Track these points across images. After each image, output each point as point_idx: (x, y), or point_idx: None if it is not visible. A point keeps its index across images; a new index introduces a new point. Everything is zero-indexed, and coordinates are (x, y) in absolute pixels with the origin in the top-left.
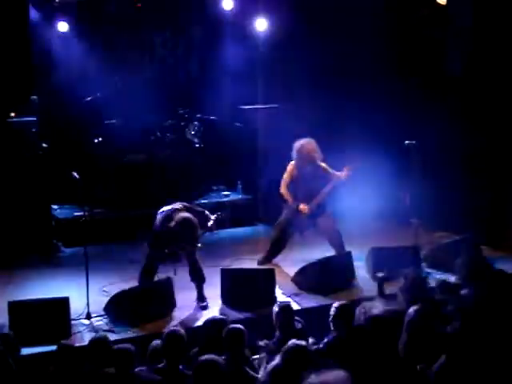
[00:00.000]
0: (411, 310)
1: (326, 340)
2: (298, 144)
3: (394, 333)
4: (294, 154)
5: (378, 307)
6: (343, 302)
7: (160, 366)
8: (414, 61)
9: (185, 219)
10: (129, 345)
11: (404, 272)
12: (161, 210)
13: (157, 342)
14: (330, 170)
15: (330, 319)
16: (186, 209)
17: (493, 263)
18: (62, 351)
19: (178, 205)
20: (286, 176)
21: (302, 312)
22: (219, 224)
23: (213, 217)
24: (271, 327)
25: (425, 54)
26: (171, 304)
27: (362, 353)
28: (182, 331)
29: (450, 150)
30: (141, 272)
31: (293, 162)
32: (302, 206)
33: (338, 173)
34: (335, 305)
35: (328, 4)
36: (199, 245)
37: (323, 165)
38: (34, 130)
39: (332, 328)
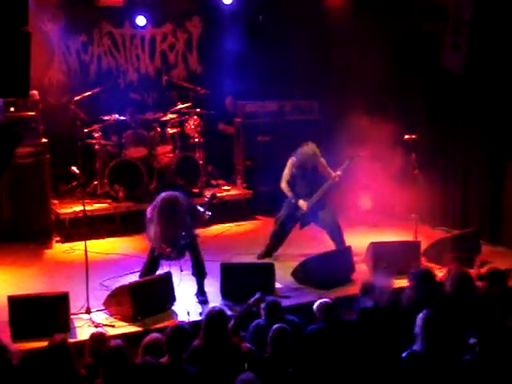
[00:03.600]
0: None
1: (312, 327)
2: (302, 146)
3: (384, 326)
4: (298, 154)
5: None
6: (326, 299)
7: (163, 360)
8: (412, 57)
9: (165, 199)
10: (119, 341)
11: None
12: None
13: (155, 334)
14: (328, 168)
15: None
16: (175, 196)
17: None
18: (54, 346)
19: (169, 192)
20: (286, 171)
21: (301, 307)
22: (210, 205)
23: (202, 209)
24: None
25: (424, 49)
26: (171, 298)
27: (344, 345)
28: (187, 326)
29: (449, 144)
30: (143, 267)
31: (293, 158)
32: (302, 203)
33: (332, 173)
34: (317, 303)
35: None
36: (193, 234)
37: (322, 161)
38: (33, 124)
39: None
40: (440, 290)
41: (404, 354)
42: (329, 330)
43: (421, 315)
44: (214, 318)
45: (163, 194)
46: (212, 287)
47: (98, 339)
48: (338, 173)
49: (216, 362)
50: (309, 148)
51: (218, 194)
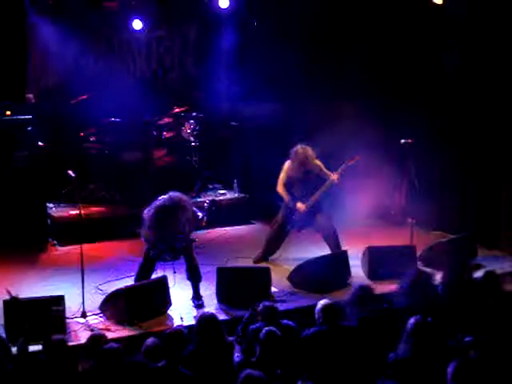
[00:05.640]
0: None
1: (312, 329)
2: (296, 149)
3: (381, 333)
4: (292, 156)
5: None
6: (328, 301)
7: (159, 364)
8: (409, 60)
9: (159, 207)
10: (115, 344)
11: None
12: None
13: (152, 339)
14: (325, 170)
15: (316, 316)
16: (181, 197)
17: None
18: (52, 346)
19: (168, 196)
20: (282, 175)
21: (297, 311)
22: (209, 211)
23: (201, 214)
24: None
25: (421, 52)
26: (166, 302)
27: (343, 348)
28: (184, 330)
29: (446, 148)
30: (138, 270)
31: (289, 161)
32: (300, 205)
33: (331, 174)
34: (319, 305)
35: (321, 3)
36: (190, 239)
37: (318, 163)
38: (29, 128)
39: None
40: (433, 294)
41: (390, 357)
42: (329, 332)
43: (411, 321)
44: (205, 322)
45: (170, 194)
46: (208, 291)
47: (97, 341)
48: (337, 175)
49: (210, 366)
50: (304, 150)
51: (215, 198)
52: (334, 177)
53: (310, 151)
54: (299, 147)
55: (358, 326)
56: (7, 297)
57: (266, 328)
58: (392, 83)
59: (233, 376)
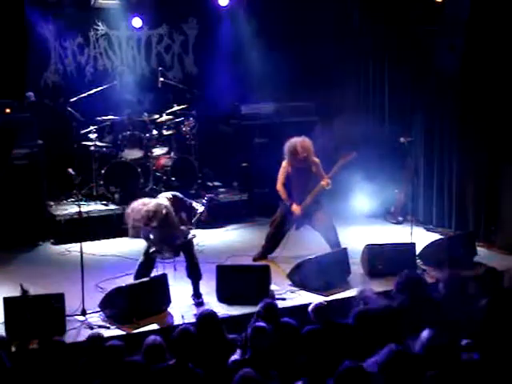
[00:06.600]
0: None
1: (307, 327)
2: (291, 143)
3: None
4: (288, 153)
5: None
6: (318, 302)
7: (170, 363)
8: (409, 58)
9: (157, 205)
10: (118, 341)
11: (400, 271)
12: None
13: (152, 337)
14: (321, 170)
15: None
16: (170, 199)
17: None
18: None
19: (163, 195)
20: (281, 173)
21: (297, 309)
22: (207, 207)
23: (201, 208)
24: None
25: (420, 51)
26: (166, 300)
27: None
28: (192, 329)
29: (445, 146)
30: (137, 268)
31: (287, 160)
32: (294, 207)
33: (324, 177)
34: (310, 306)
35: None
36: (190, 236)
37: (316, 161)
38: (29, 126)
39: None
40: (429, 295)
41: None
42: (324, 330)
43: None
44: (205, 320)
45: (167, 192)
46: (208, 289)
47: (96, 339)
48: (326, 180)
49: (209, 364)
50: (298, 140)
51: (214, 196)
52: (324, 182)
53: (306, 142)
54: (296, 140)
55: (354, 324)
56: (10, 294)
57: (255, 324)
58: (392, 82)
59: (228, 374)
